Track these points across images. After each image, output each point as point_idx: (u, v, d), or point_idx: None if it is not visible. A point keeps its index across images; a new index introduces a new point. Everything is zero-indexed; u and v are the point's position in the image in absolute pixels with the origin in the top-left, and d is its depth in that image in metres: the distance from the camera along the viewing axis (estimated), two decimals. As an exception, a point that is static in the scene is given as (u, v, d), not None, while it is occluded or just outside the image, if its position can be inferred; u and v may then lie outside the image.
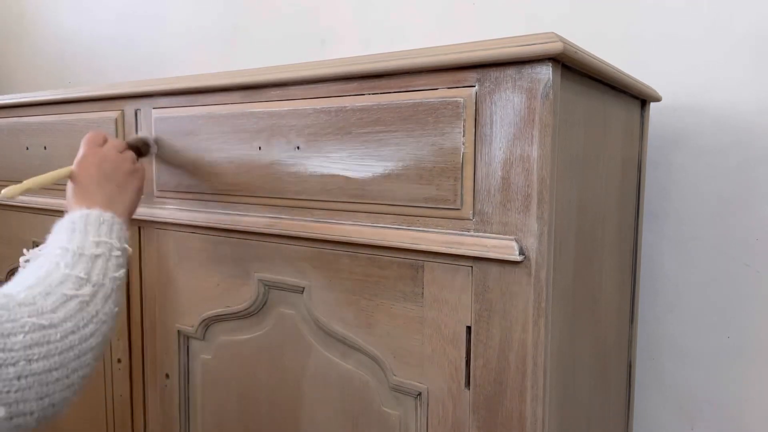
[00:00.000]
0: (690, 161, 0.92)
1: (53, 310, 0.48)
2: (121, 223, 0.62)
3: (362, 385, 0.65)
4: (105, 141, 0.70)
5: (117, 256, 0.58)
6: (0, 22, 1.92)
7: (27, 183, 0.65)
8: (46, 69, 1.81)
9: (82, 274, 0.53)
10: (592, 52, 0.56)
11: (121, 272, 0.58)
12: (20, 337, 0.45)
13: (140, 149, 0.77)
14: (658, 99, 0.86)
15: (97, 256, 0.55)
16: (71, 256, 0.54)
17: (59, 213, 0.96)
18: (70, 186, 0.66)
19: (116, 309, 0.56)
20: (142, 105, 0.82)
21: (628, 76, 0.69)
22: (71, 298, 0.51)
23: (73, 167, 0.66)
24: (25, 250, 0.60)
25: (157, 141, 0.79)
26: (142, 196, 0.73)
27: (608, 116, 0.70)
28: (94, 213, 0.60)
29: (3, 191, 0.63)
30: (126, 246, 0.61)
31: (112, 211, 0.62)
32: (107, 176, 0.66)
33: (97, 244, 0.56)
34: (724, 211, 0.90)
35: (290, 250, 0.68)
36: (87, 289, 0.52)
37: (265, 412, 0.74)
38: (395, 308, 0.61)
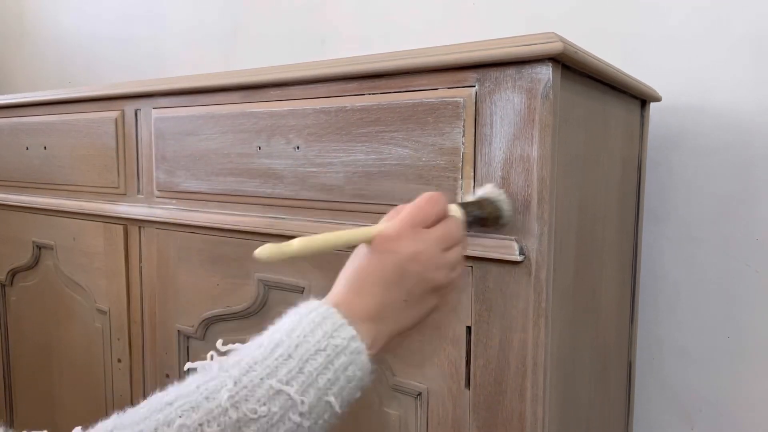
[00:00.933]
0: (690, 161, 0.92)
1: None
2: (361, 363, 0.41)
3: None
4: (436, 220, 0.46)
5: (294, 424, 0.38)
6: (0, 22, 1.92)
7: (301, 242, 0.42)
8: (46, 69, 1.81)
9: None
10: (592, 52, 0.56)
11: None
12: None
13: (486, 217, 0.51)
14: (658, 99, 0.86)
15: (250, 422, 0.36)
16: (207, 412, 0.36)
17: (59, 213, 0.96)
18: (359, 255, 0.46)
19: None
20: (142, 105, 0.82)
21: (628, 76, 0.69)
22: None
23: (378, 230, 0.45)
24: (219, 344, 0.42)
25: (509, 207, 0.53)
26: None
27: (608, 116, 0.70)
28: (330, 322, 0.41)
29: (258, 251, 0.42)
30: (330, 400, 0.39)
31: (370, 331, 0.42)
32: (403, 280, 0.44)
33: (272, 395, 0.37)
34: (724, 211, 0.90)
35: (290, 250, 0.68)
36: None
37: (265, 412, 0.74)
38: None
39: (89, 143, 0.89)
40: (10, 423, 1.14)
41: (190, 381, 0.39)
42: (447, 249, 0.46)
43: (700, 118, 0.91)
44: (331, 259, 0.65)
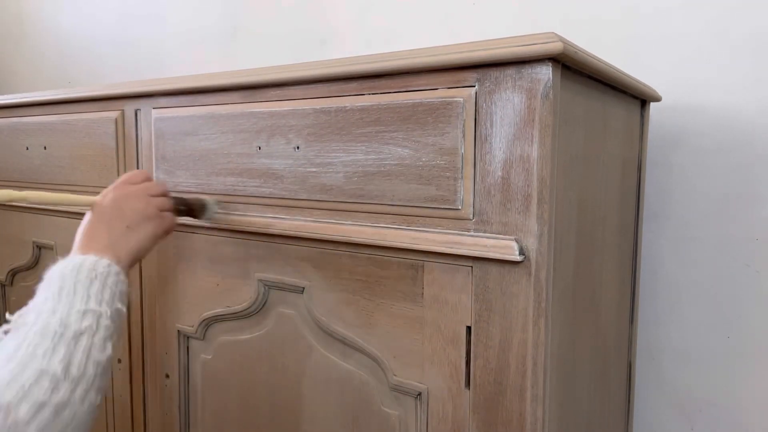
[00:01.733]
0: (690, 161, 0.92)
1: (27, 423, 0.44)
2: (117, 274, 0.56)
3: (362, 385, 0.65)
4: (144, 180, 0.66)
5: (106, 326, 0.52)
6: (0, 22, 1.92)
7: (27, 194, 0.60)
8: (46, 69, 1.81)
9: (59, 370, 0.47)
10: (592, 52, 0.56)
11: (108, 349, 0.52)
12: None
13: (192, 208, 0.71)
14: (658, 99, 0.86)
15: (81, 334, 0.50)
16: (51, 338, 0.49)
17: (59, 213, 0.96)
18: (84, 220, 0.62)
19: (99, 399, 0.51)
20: (142, 105, 0.82)
21: (628, 76, 0.69)
22: (44, 405, 0.46)
23: (96, 199, 0.63)
24: (8, 315, 0.54)
25: (218, 203, 0.73)
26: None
27: (608, 116, 0.70)
28: (88, 262, 0.55)
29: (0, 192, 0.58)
30: (119, 306, 0.55)
31: (112, 254, 0.58)
32: (120, 214, 0.61)
33: (84, 314, 0.51)
34: (724, 211, 0.90)
35: (290, 250, 0.68)
36: (64, 390, 0.47)
37: (265, 412, 0.74)
38: (395, 308, 0.61)
39: (89, 143, 0.89)
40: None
41: (8, 338, 0.51)
42: (152, 195, 0.64)
43: (700, 118, 0.91)
44: (332, 260, 0.65)
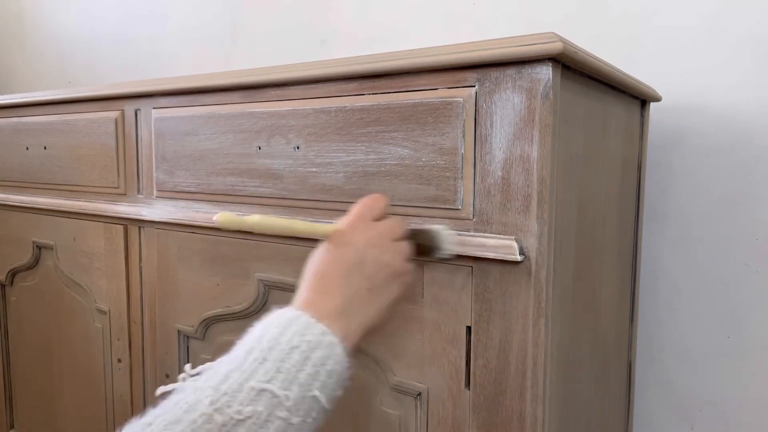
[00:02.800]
0: (690, 161, 0.92)
1: None
2: (338, 355, 0.42)
3: (362, 385, 0.65)
4: (382, 215, 0.52)
5: (282, 419, 0.37)
6: (0, 22, 1.92)
7: (256, 219, 0.47)
8: (46, 69, 1.81)
9: None
10: (592, 52, 0.56)
11: None
12: None
13: (425, 245, 0.54)
14: (658, 99, 0.86)
15: (238, 423, 0.36)
16: (190, 422, 0.36)
17: (60, 213, 0.96)
18: (317, 254, 0.49)
19: None
20: (142, 105, 0.82)
21: (628, 76, 0.69)
22: None
23: (334, 228, 0.49)
24: (188, 368, 0.42)
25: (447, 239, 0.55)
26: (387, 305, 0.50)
27: (608, 116, 0.70)
28: (301, 322, 0.41)
29: (216, 217, 0.46)
30: (317, 395, 0.40)
31: (340, 324, 0.43)
32: (361, 267, 0.47)
33: (258, 393, 0.37)
34: (725, 211, 0.90)
35: (290, 250, 0.68)
36: None
37: (265, 412, 0.74)
38: (395, 308, 0.61)
39: (89, 143, 0.89)
40: (10, 423, 1.14)
41: (167, 401, 0.38)
42: (396, 240, 0.51)
43: (700, 118, 0.91)
44: (331, 259, 0.65)
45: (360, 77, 0.60)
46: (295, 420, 0.38)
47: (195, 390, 0.37)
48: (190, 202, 0.77)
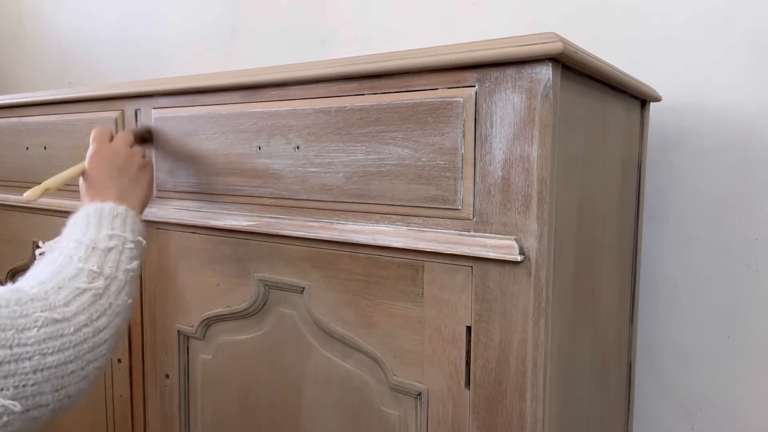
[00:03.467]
0: (690, 161, 0.92)
1: (66, 304, 0.49)
2: (134, 216, 0.63)
3: (362, 385, 0.65)
4: (112, 136, 0.71)
5: (130, 248, 0.59)
6: (0, 22, 1.92)
7: (46, 183, 0.65)
8: (46, 69, 1.81)
9: (94, 268, 0.54)
10: (592, 52, 0.56)
11: (135, 264, 0.59)
12: (34, 331, 0.46)
13: (144, 138, 0.78)
14: (658, 99, 0.86)
15: (110, 249, 0.57)
16: (84, 249, 0.55)
17: (60, 213, 0.96)
18: (83, 182, 0.67)
19: (130, 300, 0.57)
20: (142, 105, 0.82)
21: (628, 76, 0.69)
22: (84, 291, 0.52)
23: (85, 163, 0.67)
24: (41, 243, 0.60)
25: (152, 129, 0.80)
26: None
27: (608, 116, 0.70)
28: (108, 206, 0.61)
29: (25, 194, 0.63)
30: (140, 238, 0.62)
31: (126, 203, 0.64)
32: (119, 170, 0.67)
33: (111, 237, 0.58)
34: (724, 211, 0.90)
35: (290, 250, 0.68)
36: (100, 282, 0.53)
37: (264, 412, 0.74)
38: (395, 308, 0.61)
39: (89, 143, 0.89)
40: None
41: (44, 257, 0.57)
42: (130, 146, 0.70)
43: (700, 118, 0.91)
44: (332, 260, 0.65)
45: (360, 77, 0.61)
46: (135, 250, 0.60)
47: (64, 247, 0.56)
48: (190, 202, 0.77)
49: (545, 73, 0.50)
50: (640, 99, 0.83)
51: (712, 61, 0.89)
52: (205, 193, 0.75)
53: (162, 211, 0.80)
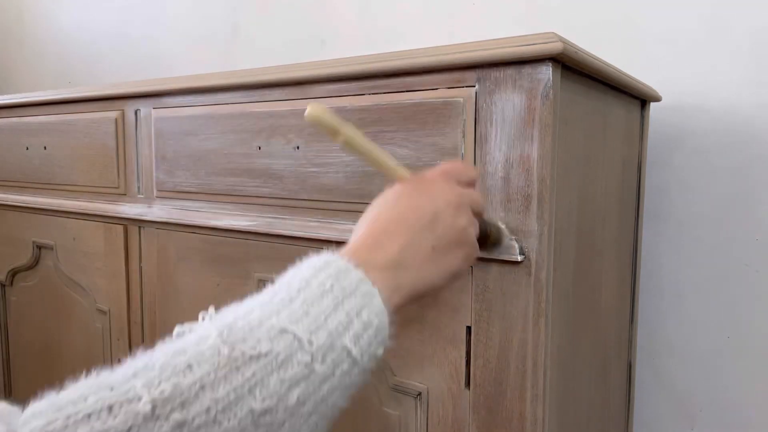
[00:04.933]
0: (690, 161, 0.92)
1: None
2: (376, 307, 0.35)
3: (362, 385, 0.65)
4: (471, 183, 0.46)
5: (303, 364, 0.32)
6: (0, 22, 1.92)
7: (346, 127, 0.39)
8: (46, 69, 1.81)
9: (148, 408, 0.29)
10: (593, 52, 0.56)
11: (291, 397, 0.31)
12: None
13: (489, 234, 0.51)
14: (658, 99, 0.86)
15: (248, 360, 0.31)
16: (188, 354, 0.31)
17: (60, 213, 0.96)
18: (385, 197, 0.43)
19: None
20: (142, 105, 0.82)
21: (628, 76, 0.69)
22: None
23: (410, 174, 0.44)
24: (211, 309, 0.37)
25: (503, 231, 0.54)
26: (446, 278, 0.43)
27: (608, 116, 0.70)
28: (336, 265, 0.36)
29: (310, 107, 0.38)
30: (348, 346, 0.34)
31: (389, 279, 0.37)
32: (433, 223, 0.41)
33: (280, 332, 0.32)
34: (724, 211, 0.90)
35: (290, 250, 0.68)
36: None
37: (265, 412, 0.74)
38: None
39: (89, 143, 0.89)
40: (10, 423, 1.14)
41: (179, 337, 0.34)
42: (475, 212, 0.45)
43: (700, 118, 0.91)
44: (331, 259, 0.65)
45: (360, 77, 0.60)
46: (320, 368, 0.32)
47: (209, 326, 0.33)
48: (190, 202, 0.77)
49: (545, 73, 0.50)
50: (640, 99, 0.83)
51: (712, 61, 0.89)
52: (205, 193, 0.75)
53: (162, 211, 0.80)
